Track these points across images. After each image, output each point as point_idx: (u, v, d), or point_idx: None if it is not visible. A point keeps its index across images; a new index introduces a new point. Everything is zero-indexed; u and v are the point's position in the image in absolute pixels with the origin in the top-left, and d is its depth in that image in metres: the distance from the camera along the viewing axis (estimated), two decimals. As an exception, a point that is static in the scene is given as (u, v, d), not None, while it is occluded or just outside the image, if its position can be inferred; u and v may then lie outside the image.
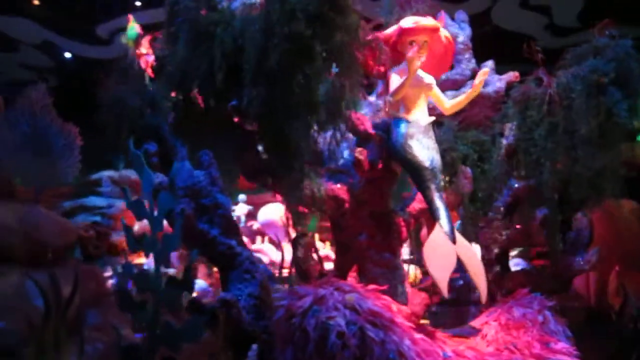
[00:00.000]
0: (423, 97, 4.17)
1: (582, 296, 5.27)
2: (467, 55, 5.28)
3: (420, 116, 4.10)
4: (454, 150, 4.72)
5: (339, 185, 4.25)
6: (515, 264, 5.67)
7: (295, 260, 4.31)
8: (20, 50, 9.51)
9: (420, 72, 4.14)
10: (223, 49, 3.65)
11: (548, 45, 8.62)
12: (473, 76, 5.24)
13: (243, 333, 3.52)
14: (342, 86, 3.57)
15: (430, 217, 4.03)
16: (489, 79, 5.17)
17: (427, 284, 4.55)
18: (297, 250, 4.28)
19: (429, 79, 4.20)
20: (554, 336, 3.74)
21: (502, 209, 4.72)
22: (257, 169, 4.05)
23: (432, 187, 3.90)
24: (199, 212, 3.82)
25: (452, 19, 5.39)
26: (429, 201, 3.89)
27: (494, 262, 4.68)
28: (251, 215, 9.67)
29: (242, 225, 9.36)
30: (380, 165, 4.17)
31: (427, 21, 4.15)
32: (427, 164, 3.94)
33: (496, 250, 4.66)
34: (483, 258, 4.80)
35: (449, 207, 4.72)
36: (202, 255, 3.80)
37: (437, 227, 3.78)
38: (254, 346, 3.39)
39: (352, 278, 4.38)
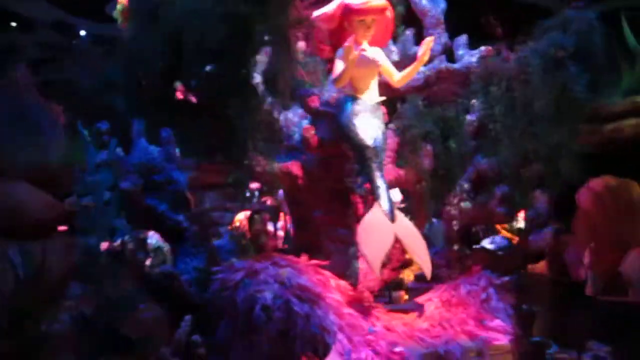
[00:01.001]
0: (371, 75, 4.14)
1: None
2: (438, 30, 5.20)
3: (367, 94, 4.09)
4: (415, 127, 4.69)
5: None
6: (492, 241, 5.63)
7: (251, 236, 4.42)
8: (36, 29, 9.81)
9: (367, 50, 4.11)
10: (167, 28, 3.73)
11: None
12: (445, 51, 5.20)
13: (185, 304, 3.69)
14: (278, 65, 3.61)
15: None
16: (460, 54, 5.10)
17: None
18: (253, 225, 4.38)
19: (376, 54, 4.16)
20: (494, 314, 3.75)
21: (465, 186, 4.70)
22: (206, 146, 4.15)
23: (374, 165, 3.90)
24: (149, 187, 3.96)
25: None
26: (370, 180, 3.91)
27: (455, 240, 4.68)
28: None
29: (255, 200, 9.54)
30: (331, 143, 4.21)
31: (376, 1, 4.09)
32: (369, 142, 3.93)
33: (456, 227, 4.64)
34: (445, 235, 4.83)
35: (408, 185, 4.78)
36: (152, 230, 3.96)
37: (375, 206, 3.81)
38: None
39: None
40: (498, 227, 4.88)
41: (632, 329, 3.79)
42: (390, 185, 4.62)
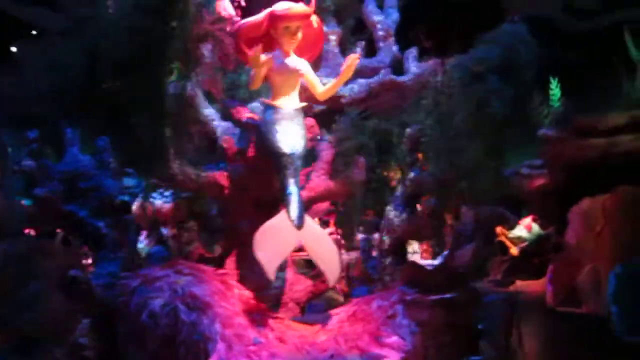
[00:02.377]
0: (291, 83, 4.18)
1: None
2: (388, 42, 5.20)
3: (286, 102, 4.13)
4: (349, 139, 4.69)
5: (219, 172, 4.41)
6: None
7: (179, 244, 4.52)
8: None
9: (290, 58, 4.15)
10: (86, 42, 3.89)
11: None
12: (395, 64, 5.19)
13: (95, 307, 3.82)
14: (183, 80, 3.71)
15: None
16: (407, 66, 5.08)
17: (315, 272, 4.61)
18: (182, 235, 4.48)
19: (299, 64, 4.20)
20: (396, 330, 3.70)
21: (400, 199, 4.67)
22: (132, 155, 4.28)
23: (288, 172, 3.94)
24: (74, 194, 4.12)
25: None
26: (283, 186, 3.94)
27: (388, 253, 4.65)
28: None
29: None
30: (251, 152, 4.28)
31: (300, 7, 4.12)
32: (285, 149, 3.97)
33: (388, 241, 4.62)
34: (378, 248, 4.81)
35: (337, 197, 4.79)
36: (72, 235, 4.12)
37: (282, 213, 3.85)
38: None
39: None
40: (499, 233, 4.71)
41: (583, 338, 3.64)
42: (319, 197, 4.68)
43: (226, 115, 4.69)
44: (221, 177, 4.41)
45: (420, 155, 4.68)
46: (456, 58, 4.24)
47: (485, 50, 4.05)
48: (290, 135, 4.04)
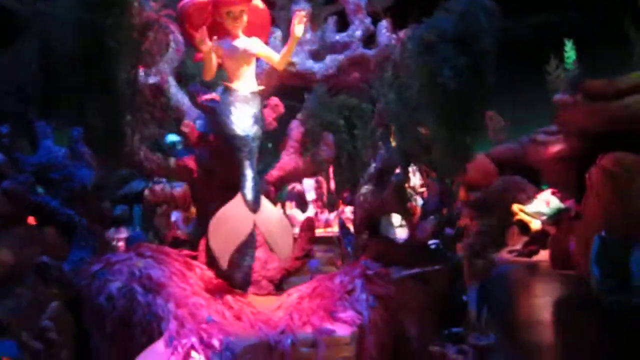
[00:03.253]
0: (245, 65, 4.19)
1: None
2: (359, 16, 5.13)
3: (241, 84, 4.15)
4: (316, 117, 4.69)
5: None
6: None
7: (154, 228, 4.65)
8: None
9: (238, 40, 4.17)
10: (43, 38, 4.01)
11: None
12: (368, 36, 5.13)
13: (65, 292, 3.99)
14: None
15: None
16: (379, 39, 5.01)
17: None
18: (155, 219, 4.60)
19: (248, 44, 4.20)
20: (353, 305, 3.73)
21: (370, 174, 4.65)
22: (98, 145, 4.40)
23: (242, 155, 3.99)
24: (45, 185, 4.29)
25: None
26: (239, 168, 3.99)
27: (361, 229, 4.66)
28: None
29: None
30: (212, 136, 4.34)
31: None
32: (239, 132, 4.01)
33: (359, 216, 4.62)
34: (353, 223, 4.82)
35: (305, 175, 4.81)
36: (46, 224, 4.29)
37: (237, 197, 3.90)
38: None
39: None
40: (516, 212, 4.63)
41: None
42: (289, 176, 4.71)
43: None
44: (189, 161, 4.49)
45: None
46: (412, 28, 4.16)
47: (438, 19, 3.96)
48: (245, 117, 4.07)
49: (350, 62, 4.97)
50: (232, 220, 3.85)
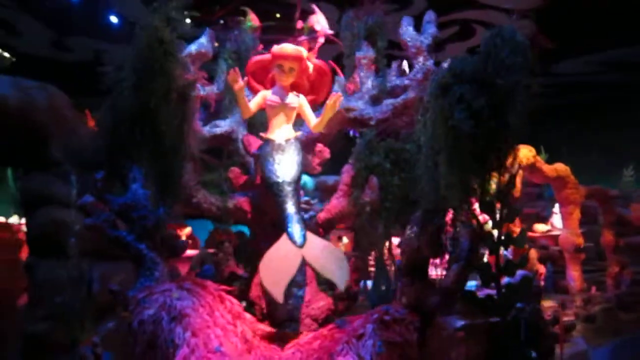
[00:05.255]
0: (282, 116, 4.54)
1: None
2: (420, 59, 5.15)
3: (276, 134, 4.51)
4: (362, 160, 4.79)
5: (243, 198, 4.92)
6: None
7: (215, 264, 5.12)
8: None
9: (283, 93, 4.58)
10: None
11: None
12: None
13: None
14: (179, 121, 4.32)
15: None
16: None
17: (338, 291, 4.74)
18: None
19: (291, 99, 4.56)
20: (358, 349, 3.73)
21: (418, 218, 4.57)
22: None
23: (281, 199, 4.29)
24: (126, 222, 5.02)
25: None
26: (281, 211, 4.28)
27: (404, 273, 4.57)
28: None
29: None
30: (259, 180, 4.70)
31: (289, 48, 4.51)
32: (275, 178, 4.35)
33: (403, 260, 4.55)
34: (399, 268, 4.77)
35: (348, 217, 4.89)
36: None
37: (283, 236, 4.17)
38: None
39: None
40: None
41: None
42: (335, 218, 4.87)
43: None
44: (244, 202, 4.91)
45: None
46: (435, 71, 4.10)
47: (458, 60, 3.87)
48: (280, 164, 4.39)
49: (405, 105, 5.01)
50: (281, 257, 4.09)
